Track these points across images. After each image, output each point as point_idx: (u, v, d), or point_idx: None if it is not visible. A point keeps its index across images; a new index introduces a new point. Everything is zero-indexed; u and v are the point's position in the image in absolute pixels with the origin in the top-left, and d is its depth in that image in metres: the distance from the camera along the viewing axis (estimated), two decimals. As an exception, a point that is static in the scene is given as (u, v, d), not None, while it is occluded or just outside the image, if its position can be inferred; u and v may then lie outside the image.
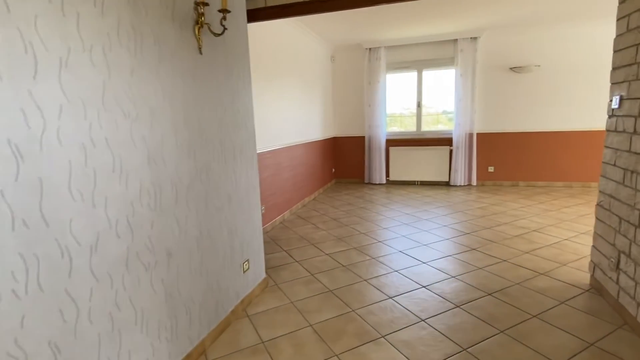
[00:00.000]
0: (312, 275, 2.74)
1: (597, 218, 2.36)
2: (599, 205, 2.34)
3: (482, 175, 5.95)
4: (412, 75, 6.11)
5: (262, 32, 3.73)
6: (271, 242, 3.53)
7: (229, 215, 2.04)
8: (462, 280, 2.55)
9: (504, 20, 4.91)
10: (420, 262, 2.91)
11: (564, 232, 3.48)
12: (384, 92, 6.10)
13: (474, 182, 5.90)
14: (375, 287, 2.51)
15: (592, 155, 5.40)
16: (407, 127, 6.40)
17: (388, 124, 6.43)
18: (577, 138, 5.43)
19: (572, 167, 5.49)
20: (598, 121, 5.33)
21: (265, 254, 3.16)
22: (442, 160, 6.00)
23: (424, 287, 2.49)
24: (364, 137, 6.44)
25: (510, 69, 5.52)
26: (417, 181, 6.24)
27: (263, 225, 3.79)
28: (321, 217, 4.35)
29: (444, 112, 6.19)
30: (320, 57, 5.79)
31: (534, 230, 3.57)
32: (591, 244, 2.53)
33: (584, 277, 2.52)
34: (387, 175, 6.37)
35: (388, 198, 5.28)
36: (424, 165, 6.11)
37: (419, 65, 6.01)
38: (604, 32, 5.09)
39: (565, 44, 5.29)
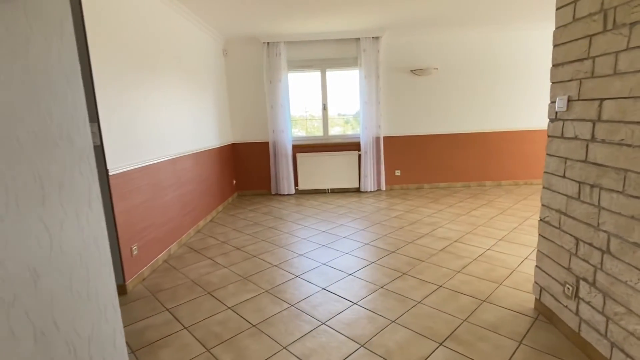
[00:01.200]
0: (209, 350, 1.91)
1: (541, 235, 2.10)
2: (543, 221, 2.07)
3: (390, 180, 5.80)
4: (316, 75, 5.63)
5: (132, 12, 2.69)
6: (148, 296, 2.54)
7: (34, 305, 1.10)
8: (404, 326, 2.04)
9: (403, 20, 4.76)
10: (351, 303, 2.33)
11: (484, 241, 3.33)
12: (287, 93, 5.47)
13: (383, 187, 5.71)
14: (299, 358, 1.82)
15: (485, 155, 5.69)
16: (313, 131, 5.90)
17: (293, 128, 5.83)
18: (472, 139, 5.65)
19: (468, 167, 5.70)
20: (490, 123, 5.63)
21: (137, 320, 2.19)
22: (351, 166, 5.66)
23: (363, 346, 1.89)
24: (267, 142, 5.71)
25: (411, 71, 5.46)
26: (328, 189, 5.79)
27: (137, 271, 2.75)
28: (221, 247, 3.48)
29: (351, 115, 5.87)
30: (212, 50, 4.85)
31: (455, 241, 3.35)
32: (517, 255, 2.28)
33: (527, 300, 2.27)
34: (296, 184, 5.77)
35: (300, 212, 4.67)
36: (333, 172, 5.68)
37: (323, 64, 5.55)
38: (498, 36, 5.37)
39: (460, 47, 5.44)
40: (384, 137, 5.68)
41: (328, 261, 3.02)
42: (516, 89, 5.55)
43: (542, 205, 2.07)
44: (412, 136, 5.69)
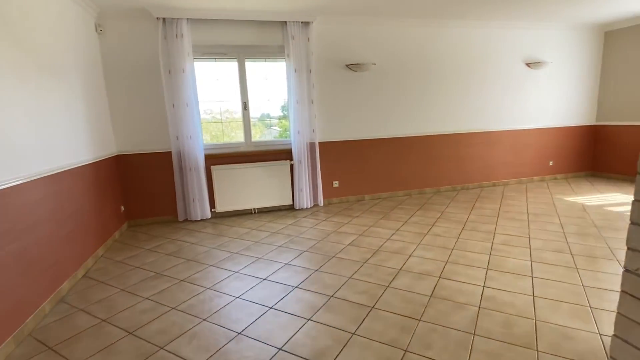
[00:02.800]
0: None
1: (626, 293, 1.41)
2: (630, 272, 1.38)
3: (328, 192, 4.95)
4: (232, 66, 4.45)
5: None
6: None
7: None
8: None
9: (335, 3, 3.95)
10: None
11: (471, 273, 2.67)
12: (194, 88, 4.16)
13: (321, 202, 4.81)
14: None
15: (424, 160, 5.25)
16: (231, 137, 4.69)
17: (205, 134, 4.54)
18: (412, 144, 5.15)
19: (408, 174, 5.19)
20: (429, 126, 5.20)
21: None
22: (282, 179, 4.63)
23: None
24: (170, 152, 4.31)
25: (347, 65, 4.69)
26: (254, 209, 4.65)
27: None
28: (98, 334, 2.11)
29: (276, 118, 4.83)
30: (77, 23, 3.30)
31: (440, 278, 2.61)
32: (522, 292, 1.60)
33: (594, 381, 1.58)
34: (213, 205, 4.49)
35: (222, 247, 3.46)
36: (261, 187, 4.57)
37: (241, 52, 4.40)
38: (438, 33, 4.93)
39: (399, 42, 4.87)
40: (320, 143, 4.79)
41: (288, 339, 1.96)
42: (456, 90, 5.23)
43: (629, 248, 1.39)
44: (351, 141, 4.92)
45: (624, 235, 3.25)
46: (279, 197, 4.64)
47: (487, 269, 2.73)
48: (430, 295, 2.36)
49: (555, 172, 5.95)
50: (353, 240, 3.46)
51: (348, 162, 4.94)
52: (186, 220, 4.41)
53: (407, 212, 4.38)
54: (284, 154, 4.65)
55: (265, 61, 4.56)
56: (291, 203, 4.71)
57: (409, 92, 5.03)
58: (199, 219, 4.38)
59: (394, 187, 5.19)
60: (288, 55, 4.36)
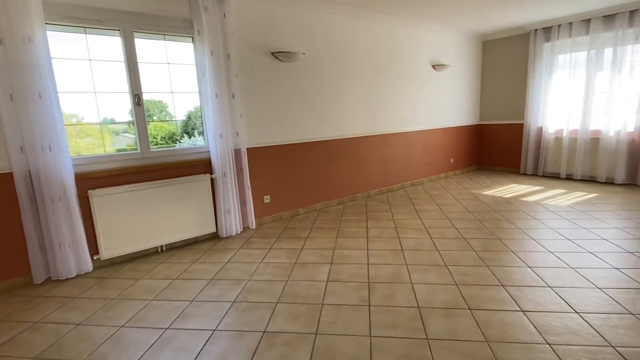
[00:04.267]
0: None
1: None
2: None
3: (259, 210, 3.97)
4: (114, 42, 3.03)
5: None
6: None
7: None
8: None
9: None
10: None
11: (499, 308, 2.26)
12: (50, 69, 2.62)
13: (253, 223, 3.80)
14: None
15: (353, 164, 4.83)
16: (117, 146, 3.23)
17: (72, 142, 2.97)
18: (344, 146, 4.65)
19: (339, 180, 4.67)
20: (359, 127, 4.79)
21: None
22: (201, 200, 3.44)
23: None
24: (11, 174, 2.62)
25: (273, 54, 3.83)
26: (162, 246, 3.31)
27: None
28: None
29: (180, 120, 3.59)
30: None
31: (471, 309, 2.12)
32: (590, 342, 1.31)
33: None
34: (96, 251, 2.96)
35: (138, 322, 2.16)
36: (169, 214, 3.27)
37: (126, 21, 3.04)
38: (365, 27, 4.49)
39: (331, 31, 4.27)
40: (248, 150, 3.78)
41: None
42: (380, 88, 4.96)
43: None
44: (282, 146, 4.07)
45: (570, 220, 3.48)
46: (197, 224, 3.43)
47: (510, 300, 2.38)
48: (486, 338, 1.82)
49: (455, 169, 6.41)
50: (329, 274, 2.67)
51: (279, 171, 4.07)
52: (50, 280, 2.77)
53: (356, 224, 3.82)
54: (201, 165, 3.47)
55: (165, 38, 3.29)
56: (214, 230, 3.56)
57: (339, 89, 4.50)
58: (74, 274, 2.81)
59: (327, 196, 4.58)
60: (200, 32, 3.23)
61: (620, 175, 5.05)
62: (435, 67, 5.56)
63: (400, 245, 3.15)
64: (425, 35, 5.42)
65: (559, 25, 5.41)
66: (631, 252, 2.78)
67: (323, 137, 4.41)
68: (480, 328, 1.92)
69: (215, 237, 3.61)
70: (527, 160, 6.05)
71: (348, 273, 2.65)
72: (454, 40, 5.92)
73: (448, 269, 2.65)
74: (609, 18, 4.94)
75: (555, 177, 5.79)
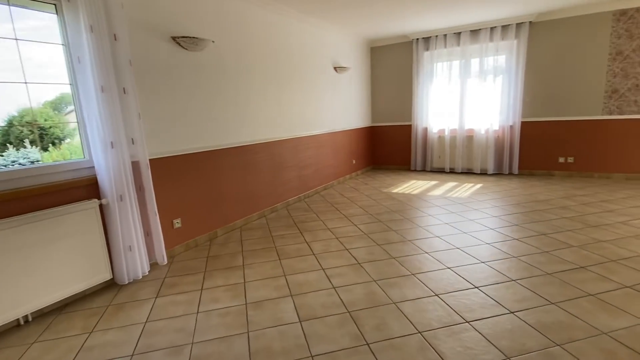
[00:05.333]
0: None
1: None
2: None
3: (170, 239, 3.09)
4: None
5: None
6: None
7: None
8: None
9: None
10: None
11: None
12: None
13: (164, 258, 2.91)
14: None
15: (273, 173, 4.34)
16: None
17: None
18: (259, 152, 4.10)
19: (258, 191, 4.12)
20: (276, 131, 4.30)
21: None
22: (84, 237, 2.42)
23: None
24: None
25: (174, 38, 3.02)
26: (28, 315, 2.18)
27: None
28: None
29: (9, 120, 2.46)
30: None
31: (468, 321, 1.97)
32: None
33: None
34: None
35: None
36: (31, 266, 2.18)
37: None
38: (286, 24, 3.99)
39: (246, 21, 3.64)
40: (151, 162, 2.87)
41: None
42: (293, 88, 4.57)
43: None
44: (192, 155, 3.27)
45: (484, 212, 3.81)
46: (82, 272, 2.40)
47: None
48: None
49: (357, 169, 6.55)
50: (297, 312, 2.16)
51: (191, 186, 3.26)
52: None
53: (293, 239, 3.37)
54: (81, 188, 2.44)
55: (9, 3, 2.16)
56: (110, 276, 2.56)
57: (255, 87, 3.93)
58: None
59: (247, 210, 3.96)
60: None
61: (491, 167, 5.98)
62: (337, 69, 5.52)
63: (355, 259, 2.85)
64: (329, 36, 5.30)
65: (436, 36, 6.07)
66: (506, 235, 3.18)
67: (240, 142, 3.78)
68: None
69: (112, 285, 2.60)
70: (417, 158, 6.63)
71: (319, 305, 2.20)
72: (349, 43, 6.01)
73: (417, 277, 2.48)
74: (475, 32, 5.77)
75: (440, 171, 6.50)
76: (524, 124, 5.74)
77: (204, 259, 3.01)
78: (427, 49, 6.22)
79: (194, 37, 3.06)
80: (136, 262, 2.65)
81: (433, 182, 5.60)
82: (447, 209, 4.11)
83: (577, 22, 5.16)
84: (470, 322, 1.94)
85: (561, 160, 5.61)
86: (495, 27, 5.57)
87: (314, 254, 2.98)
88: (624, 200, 4.14)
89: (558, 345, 1.73)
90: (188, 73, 3.16)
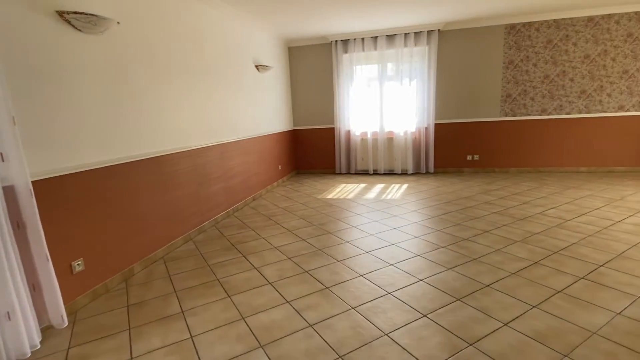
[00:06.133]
0: None
1: None
2: None
3: (68, 290, 2.23)
4: None
5: None
6: None
7: None
8: None
9: None
10: None
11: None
12: None
13: (63, 318, 2.08)
14: None
15: (198, 188, 3.67)
16: None
17: None
18: (180, 162, 3.40)
19: (183, 209, 3.41)
20: (199, 137, 3.64)
21: None
22: None
23: None
24: None
25: (60, 14, 2.20)
26: None
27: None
28: None
29: None
30: None
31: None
32: None
33: None
34: None
35: None
36: None
37: None
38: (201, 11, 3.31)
39: (159, 4, 2.91)
40: (37, 184, 2.00)
41: None
42: (223, 90, 3.94)
43: None
44: (95, 171, 2.45)
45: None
46: None
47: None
48: None
49: (282, 175, 6.16)
50: (275, 365, 1.69)
51: (94, 212, 2.44)
52: None
53: (236, 266, 2.82)
54: None
55: None
56: (-26, 365, 1.68)
57: (173, 85, 3.22)
58: None
59: (169, 235, 3.22)
60: None
61: (410, 167, 6.24)
62: (259, 67, 5.04)
63: (320, 282, 2.49)
64: (250, 32, 4.79)
65: (355, 39, 6.07)
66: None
67: (158, 152, 3.04)
68: None
69: (-21, 378, 1.72)
70: (341, 161, 6.56)
71: (302, 354, 1.77)
72: (269, 41, 5.59)
73: (395, 296, 2.25)
74: (391, 37, 5.93)
75: (365, 173, 6.55)
76: (437, 126, 6.14)
77: (122, 310, 2.27)
78: (346, 52, 6.18)
79: (90, 15, 2.28)
80: (19, 334, 1.80)
81: (362, 185, 5.56)
82: (387, 212, 4.04)
83: (477, 33, 5.71)
84: (474, 344, 1.77)
85: (469, 158, 6.16)
86: (409, 33, 5.81)
87: (269, 283, 2.51)
88: (529, 192, 4.66)
89: (566, 356, 1.66)
90: (85, 63, 2.35)
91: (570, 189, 4.70)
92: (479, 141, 6.05)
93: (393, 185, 5.46)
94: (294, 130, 6.71)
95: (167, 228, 3.18)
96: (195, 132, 3.58)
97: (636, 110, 5.43)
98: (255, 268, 2.76)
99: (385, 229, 3.51)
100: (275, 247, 3.17)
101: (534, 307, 2.06)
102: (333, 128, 6.56)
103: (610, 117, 5.53)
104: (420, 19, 5.33)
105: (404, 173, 6.35)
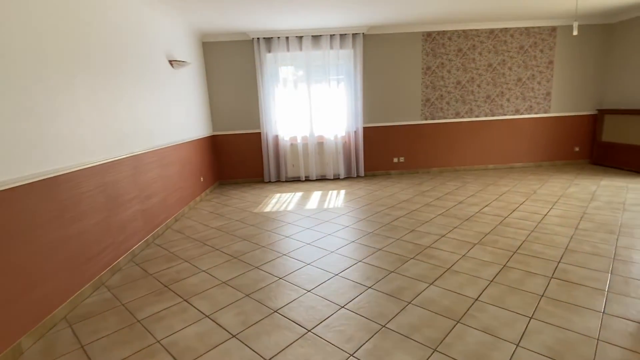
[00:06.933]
0: None
1: None
2: None
3: None
4: None
5: None
6: None
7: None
8: None
9: None
10: None
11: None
12: None
13: None
14: None
15: (112, 210, 2.83)
16: None
17: None
18: (93, 182, 2.55)
19: (88, 248, 2.56)
20: (117, 146, 2.80)
21: None
22: None
23: None
24: None
25: None
26: None
27: None
28: None
29: None
30: None
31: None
32: None
33: None
34: None
35: None
36: None
37: None
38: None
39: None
40: None
41: None
42: (135, 90, 3.10)
43: None
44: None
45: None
46: None
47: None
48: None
49: (205, 188, 5.40)
50: None
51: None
52: None
53: (183, 319, 2.16)
54: None
55: None
56: None
57: (65, 84, 2.36)
58: None
59: (73, 285, 2.36)
60: None
61: (342, 172, 6.10)
62: (173, 63, 4.26)
63: (297, 324, 2.03)
64: (161, 22, 3.99)
65: (278, 38, 5.66)
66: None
67: (52, 171, 2.17)
68: None
69: None
70: (270, 168, 6.08)
71: None
72: (183, 33, 4.81)
73: (392, 330, 1.94)
74: (316, 38, 5.70)
75: (297, 180, 6.18)
76: (365, 129, 6.12)
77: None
78: (270, 51, 5.74)
79: None
80: None
81: (298, 194, 5.19)
82: (337, 223, 3.75)
83: (399, 39, 5.86)
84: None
85: (395, 160, 6.30)
86: (334, 35, 5.65)
87: (234, 336, 1.95)
88: (457, 191, 4.90)
89: (591, 373, 1.56)
90: None
91: (490, 186, 5.09)
92: (404, 144, 6.23)
93: (330, 192, 5.22)
94: (214, 136, 5.97)
95: (70, 274, 2.32)
96: (102, 142, 2.74)
97: (528, 113, 6.24)
98: (206, 316, 2.16)
99: (342, 243, 3.21)
100: (224, 282, 2.58)
101: (531, 318, 1.98)
102: (259, 133, 6.03)
103: (509, 119, 6.24)
104: (345, 21, 5.20)
105: (336, 178, 6.18)
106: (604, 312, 1.99)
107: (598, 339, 1.77)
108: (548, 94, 6.17)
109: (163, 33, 4.07)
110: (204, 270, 2.78)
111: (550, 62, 6.05)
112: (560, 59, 6.04)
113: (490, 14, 5.29)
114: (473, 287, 2.33)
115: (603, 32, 5.93)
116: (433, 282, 2.41)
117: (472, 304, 2.14)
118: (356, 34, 5.70)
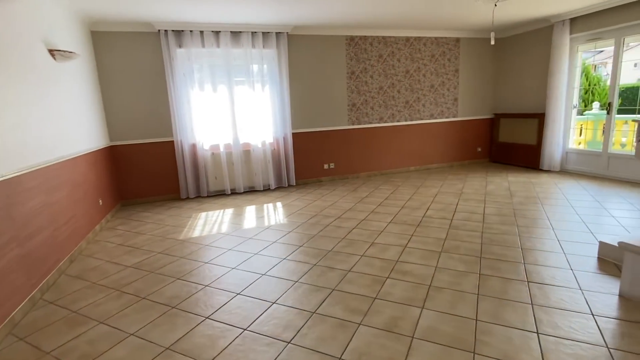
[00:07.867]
0: None
1: None
2: None
3: None
4: None
5: None
6: None
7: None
8: None
9: None
10: None
11: None
12: None
13: None
14: None
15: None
16: None
17: None
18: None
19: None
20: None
21: None
22: None
23: None
24: None
25: None
26: None
27: None
28: None
29: None
30: None
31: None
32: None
33: None
34: None
35: None
36: None
37: None
38: None
39: None
40: None
41: None
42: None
43: None
44: None
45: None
46: None
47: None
48: None
49: (105, 213, 4.31)
50: None
51: None
52: None
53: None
54: None
55: None
56: None
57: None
58: None
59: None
60: None
61: (272, 182, 5.61)
62: (55, 53, 3.23)
63: (293, 396, 1.54)
64: (29, -11, 2.95)
65: (191, 32, 4.90)
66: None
67: None
68: None
69: None
70: (187, 182, 5.22)
71: None
72: (67, 17, 3.73)
73: (409, 378, 1.60)
74: (236, 35, 5.10)
75: (221, 194, 5.45)
76: (294, 135, 5.75)
77: None
78: (181, 46, 4.93)
79: None
80: None
81: (229, 211, 4.53)
82: (288, 243, 3.29)
83: (323, 41, 5.65)
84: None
85: (326, 167, 6.08)
86: (256, 32, 5.15)
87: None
88: (394, 195, 4.90)
89: (628, 392, 1.47)
90: None
91: (420, 188, 5.23)
92: (333, 149, 6.06)
93: (264, 205, 4.69)
94: (112, 147, 4.85)
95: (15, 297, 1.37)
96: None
97: (441, 118, 6.68)
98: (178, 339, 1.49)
99: (303, 268, 2.77)
100: (168, 348, 1.90)
101: (538, 333, 1.86)
102: (172, 142, 5.13)
103: (426, 123, 6.60)
104: (267, 18, 4.75)
105: (267, 189, 5.65)
106: (593, 314, 1.99)
107: (609, 347, 1.73)
108: (456, 99, 6.70)
109: (36, 12, 3.03)
110: (132, 334, 2.03)
111: (457, 71, 6.59)
112: (464, 67, 6.63)
113: (405, 22, 5.45)
114: (466, 305, 2.15)
115: (497, 44, 6.71)
116: (424, 307, 2.16)
117: (476, 326, 1.94)
118: (280, 32, 5.29)
